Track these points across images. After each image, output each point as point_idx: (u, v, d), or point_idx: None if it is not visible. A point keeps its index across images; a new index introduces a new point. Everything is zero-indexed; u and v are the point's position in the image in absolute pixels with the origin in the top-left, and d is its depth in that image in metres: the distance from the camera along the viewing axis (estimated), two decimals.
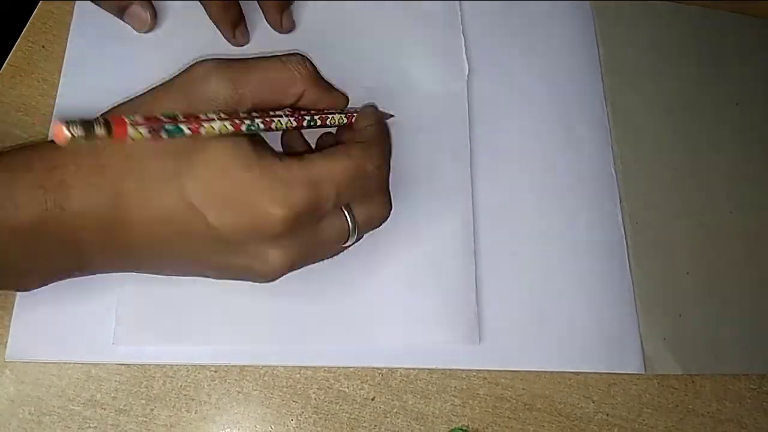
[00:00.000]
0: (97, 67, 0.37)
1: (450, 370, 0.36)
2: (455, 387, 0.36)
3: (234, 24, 0.38)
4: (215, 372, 0.33)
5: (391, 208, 0.31)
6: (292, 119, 0.28)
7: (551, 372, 0.37)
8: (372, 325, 0.35)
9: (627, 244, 0.41)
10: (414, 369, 0.36)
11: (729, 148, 0.46)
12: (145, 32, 0.38)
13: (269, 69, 0.28)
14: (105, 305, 0.33)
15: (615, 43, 0.46)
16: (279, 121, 0.27)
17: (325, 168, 0.26)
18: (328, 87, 0.31)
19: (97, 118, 0.21)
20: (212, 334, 0.33)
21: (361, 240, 0.36)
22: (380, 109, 0.36)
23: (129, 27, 0.38)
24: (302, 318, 0.34)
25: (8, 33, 0.38)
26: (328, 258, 0.31)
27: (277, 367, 0.34)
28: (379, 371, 0.35)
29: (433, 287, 0.36)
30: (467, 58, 0.42)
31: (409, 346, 0.35)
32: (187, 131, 0.24)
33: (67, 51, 0.37)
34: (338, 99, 0.31)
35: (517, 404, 0.36)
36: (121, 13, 0.37)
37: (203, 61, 0.28)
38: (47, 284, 0.29)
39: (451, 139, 0.40)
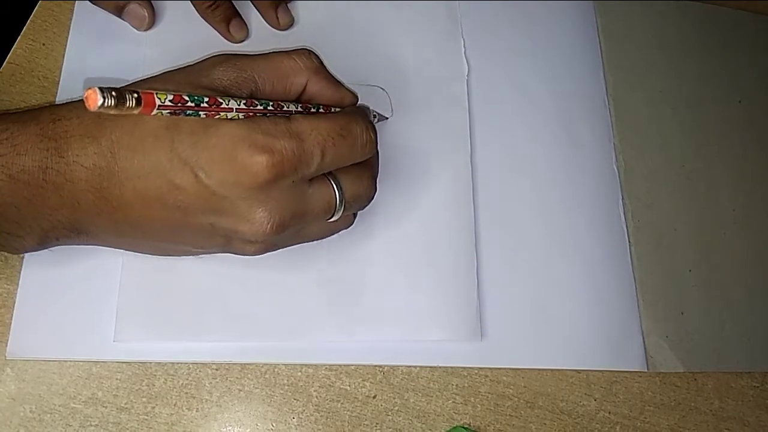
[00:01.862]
0: (97, 64, 0.37)
1: (451, 367, 0.36)
2: (457, 385, 0.36)
3: (226, 20, 0.38)
4: (216, 370, 0.33)
5: (375, 185, 0.31)
6: (300, 108, 0.29)
7: (553, 370, 0.37)
8: (373, 322, 0.35)
9: (629, 241, 0.41)
10: (415, 367, 0.35)
11: (731, 146, 0.46)
12: (144, 30, 0.38)
13: (275, 58, 0.29)
14: (106, 303, 0.33)
15: (617, 41, 0.46)
16: (289, 111, 0.29)
17: (310, 123, 0.27)
18: (335, 82, 0.31)
19: (131, 90, 0.21)
20: (213, 330, 0.33)
21: (363, 240, 0.36)
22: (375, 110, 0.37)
23: (128, 25, 0.38)
24: (303, 315, 0.34)
25: (9, 31, 0.38)
26: (317, 239, 0.32)
27: (278, 364, 0.34)
28: (381, 369, 0.35)
29: (434, 285, 0.36)
30: (467, 58, 0.42)
31: (410, 344, 0.35)
32: (202, 114, 0.25)
33: (67, 49, 0.37)
34: (345, 96, 0.32)
35: (519, 402, 0.36)
36: (119, 11, 0.37)
37: (213, 56, 0.29)
38: (44, 246, 0.29)
39: (452, 138, 0.40)
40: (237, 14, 0.38)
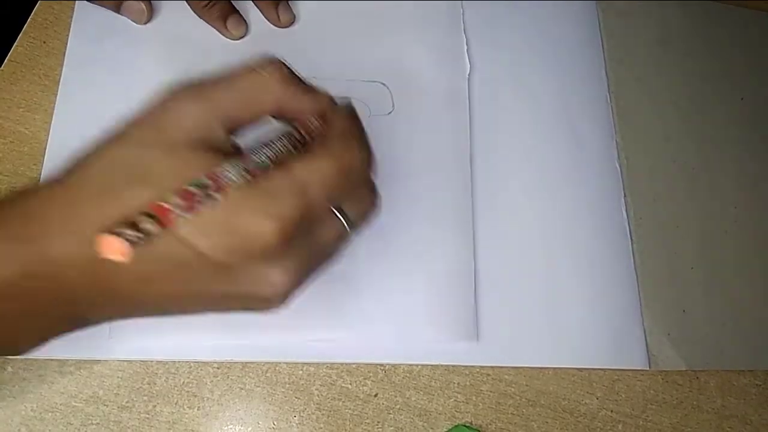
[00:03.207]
0: (98, 62, 0.37)
1: (453, 366, 0.36)
2: (458, 383, 0.36)
3: (222, 18, 0.38)
4: (217, 368, 0.33)
5: (377, 198, 0.29)
6: (286, 142, 0.26)
7: (555, 368, 0.37)
8: (370, 323, 0.34)
9: (631, 239, 0.41)
10: (417, 365, 0.35)
11: (734, 143, 0.46)
12: (144, 23, 0.38)
13: (239, 79, 0.26)
14: None
15: (619, 38, 0.46)
16: (279, 149, 0.26)
17: (310, 170, 0.24)
18: (306, 88, 0.28)
19: (139, 214, 0.21)
20: (212, 328, 0.33)
21: (360, 237, 0.35)
22: (341, 97, 0.34)
23: (128, 21, 0.38)
24: (302, 314, 0.34)
25: (9, 29, 0.38)
26: (332, 265, 0.29)
27: (279, 363, 0.34)
28: (382, 367, 0.35)
29: (431, 285, 0.36)
30: (469, 55, 0.42)
31: (411, 342, 0.35)
32: (217, 197, 0.22)
33: (67, 47, 0.37)
34: (320, 101, 0.28)
35: (521, 400, 0.36)
36: (117, 7, 0.37)
37: (173, 89, 0.26)
38: (49, 341, 0.27)
39: (452, 136, 0.40)
40: (234, 11, 0.38)
